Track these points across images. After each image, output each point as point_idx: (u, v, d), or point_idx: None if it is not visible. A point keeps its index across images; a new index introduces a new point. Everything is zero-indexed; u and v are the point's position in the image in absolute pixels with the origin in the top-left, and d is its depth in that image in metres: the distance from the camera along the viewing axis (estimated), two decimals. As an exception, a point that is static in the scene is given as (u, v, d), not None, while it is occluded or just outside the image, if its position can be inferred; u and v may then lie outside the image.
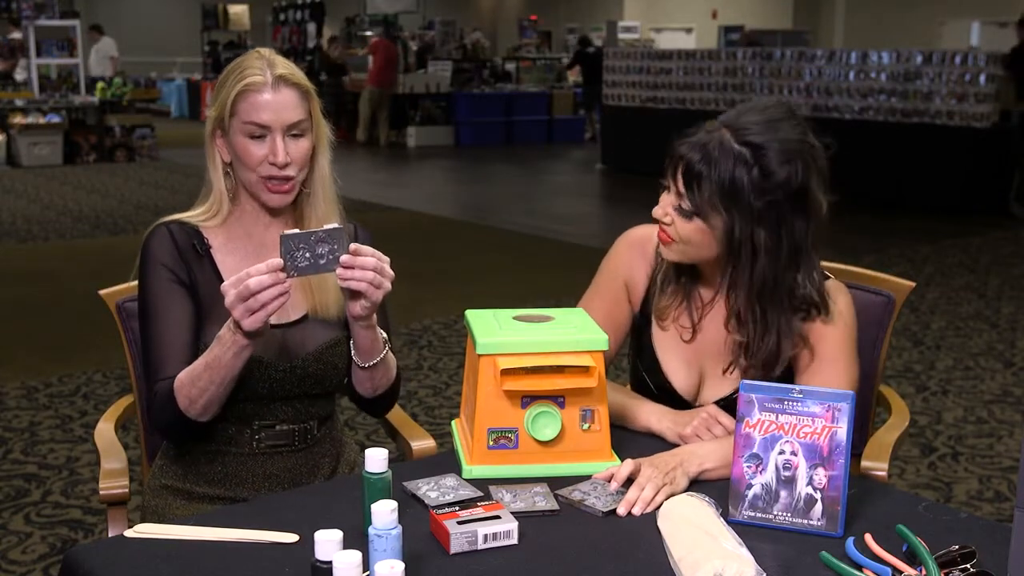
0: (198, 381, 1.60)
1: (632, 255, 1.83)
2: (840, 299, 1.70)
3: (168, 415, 1.64)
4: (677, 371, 1.77)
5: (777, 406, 1.38)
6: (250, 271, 1.47)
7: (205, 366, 1.59)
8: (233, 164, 1.73)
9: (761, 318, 1.66)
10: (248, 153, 1.69)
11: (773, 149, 1.58)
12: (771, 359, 1.67)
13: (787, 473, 1.38)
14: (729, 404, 1.69)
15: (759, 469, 1.38)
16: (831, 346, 1.67)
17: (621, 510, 1.42)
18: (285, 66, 1.71)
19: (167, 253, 1.72)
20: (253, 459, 1.75)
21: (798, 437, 1.37)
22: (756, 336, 1.67)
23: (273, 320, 1.72)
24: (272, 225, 1.77)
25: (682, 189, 1.62)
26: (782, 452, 1.38)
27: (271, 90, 1.67)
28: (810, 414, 1.37)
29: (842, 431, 1.36)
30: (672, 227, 1.65)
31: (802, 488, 1.37)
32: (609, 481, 1.47)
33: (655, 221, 1.71)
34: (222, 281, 1.71)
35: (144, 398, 1.73)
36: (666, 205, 1.66)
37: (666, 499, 1.43)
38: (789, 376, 1.71)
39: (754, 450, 1.39)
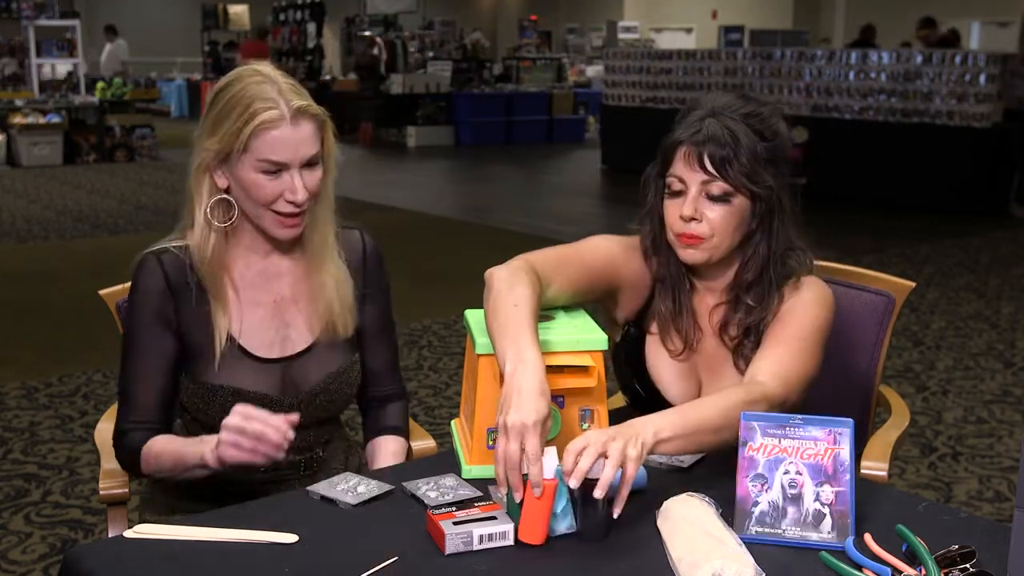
0: (163, 463, 1.62)
1: (637, 258, 1.78)
2: (808, 291, 1.68)
3: (131, 467, 1.69)
4: (672, 384, 1.77)
5: (779, 431, 1.37)
6: (268, 420, 1.46)
7: (173, 459, 1.61)
8: (236, 195, 1.63)
9: (768, 287, 1.68)
10: (261, 189, 1.59)
11: (766, 113, 1.66)
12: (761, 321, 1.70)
13: (793, 491, 1.36)
14: None
15: (764, 488, 1.37)
16: (792, 328, 1.64)
17: (573, 483, 1.32)
18: (298, 93, 1.60)
19: (155, 289, 1.64)
20: (260, 488, 1.69)
21: (802, 459, 1.37)
22: (760, 307, 1.68)
23: (278, 353, 1.70)
24: (272, 253, 1.71)
25: (713, 172, 1.61)
26: (787, 472, 1.37)
27: (290, 125, 1.57)
28: (812, 438, 1.36)
29: (845, 451, 1.35)
30: (702, 223, 1.64)
31: (809, 504, 1.36)
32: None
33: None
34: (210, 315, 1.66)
35: (116, 426, 1.71)
36: (692, 202, 1.64)
37: (612, 470, 1.31)
38: None
39: (759, 471, 1.38)
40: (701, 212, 1.63)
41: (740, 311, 1.71)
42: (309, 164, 1.62)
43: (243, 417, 1.46)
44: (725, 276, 1.73)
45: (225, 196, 1.64)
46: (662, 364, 1.77)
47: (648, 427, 1.40)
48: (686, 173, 1.63)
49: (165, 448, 1.62)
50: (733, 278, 1.72)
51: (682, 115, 1.69)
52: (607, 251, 1.77)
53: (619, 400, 1.98)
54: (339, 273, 1.73)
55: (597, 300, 1.79)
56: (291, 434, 1.47)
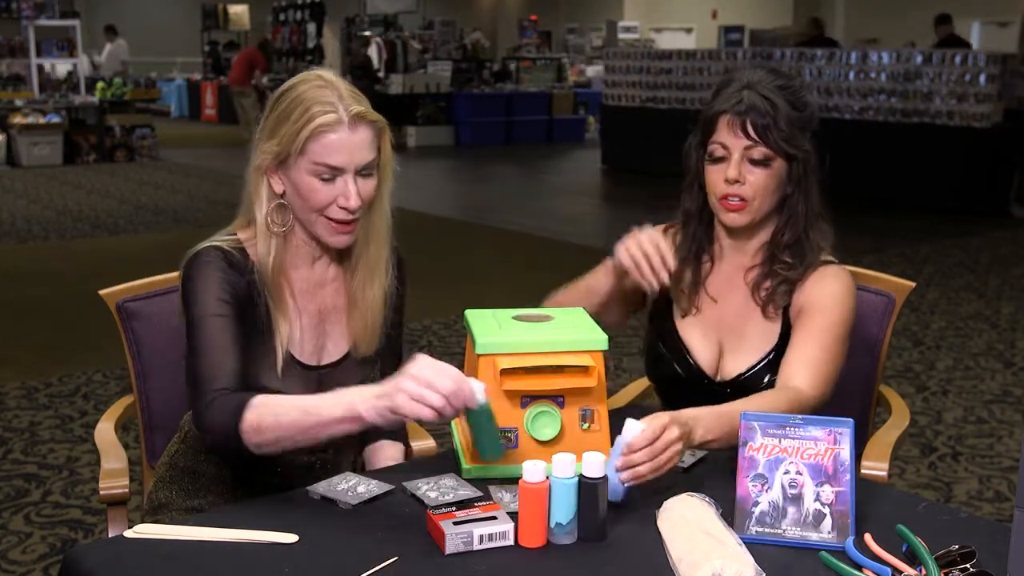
0: (283, 421, 1.46)
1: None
2: (837, 281, 1.80)
3: (230, 433, 1.49)
4: (697, 344, 1.87)
5: (779, 431, 1.38)
6: (460, 381, 1.37)
7: (302, 413, 1.46)
8: (290, 199, 1.63)
9: (806, 243, 1.81)
10: (316, 193, 1.59)
11: (797, 85, 1.79)
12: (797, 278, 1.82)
13: (793, 491, 1.37)
14: (747, 381, 1.80)
15: (765, 487, 1.38)
16: (824, 324, 1.75)
17: (625, 476, 1.40)
18: (356, 98, 1.60)
19: (223, 277, 1.60)
20: (271, 490, 1.66)
21: (802, 459, 1.37)
22: (800, 263, 1.80)
23: (316, 361, 1.70)
24: (319, 260, 1.71)
25: (756, 138, 1.74)
26: (787, 472, 1.37)
27: (348, 130, 1.57)
28: (812, 438, 1.37)
29: (845, 451, 1.36)
30: (745, 186, 1.75)
31: (810, 504, 1.36)
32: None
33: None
34: (269, 320, 1.64)
35: (192, 404, 1.60)
36: (736, 165, 1.75)
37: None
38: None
39: (759, 471, 1.38)
40: (743, 175, 1.76)
41: (778, 268, 1.82)
42: (365, 172, 1.61)
43: (433, 371, 1.37)
44: (759, 238, 1.85)
45: (281, 201, 1.64)
46: (688, 328, 1.88)
47: (699, 427, 1.52)
48: (729, 139, 1.75)
49: (284, 405, 1.48)
50: (769, 239, 1.84)
51: (719, 88, 1.81)
52: (606, 268, 1.88)
53: (620, 400, 2.01)
54: (388, 291, 1.74)
55: (631, 304, 1.97)
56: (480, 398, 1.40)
